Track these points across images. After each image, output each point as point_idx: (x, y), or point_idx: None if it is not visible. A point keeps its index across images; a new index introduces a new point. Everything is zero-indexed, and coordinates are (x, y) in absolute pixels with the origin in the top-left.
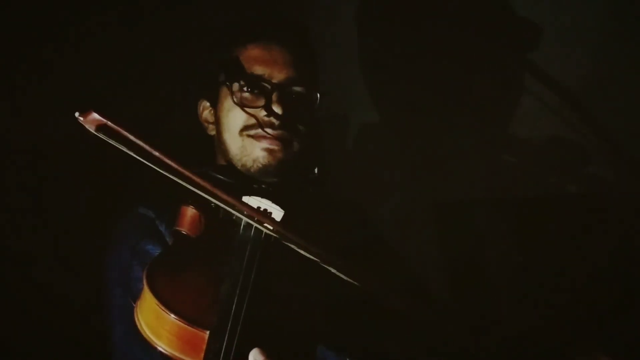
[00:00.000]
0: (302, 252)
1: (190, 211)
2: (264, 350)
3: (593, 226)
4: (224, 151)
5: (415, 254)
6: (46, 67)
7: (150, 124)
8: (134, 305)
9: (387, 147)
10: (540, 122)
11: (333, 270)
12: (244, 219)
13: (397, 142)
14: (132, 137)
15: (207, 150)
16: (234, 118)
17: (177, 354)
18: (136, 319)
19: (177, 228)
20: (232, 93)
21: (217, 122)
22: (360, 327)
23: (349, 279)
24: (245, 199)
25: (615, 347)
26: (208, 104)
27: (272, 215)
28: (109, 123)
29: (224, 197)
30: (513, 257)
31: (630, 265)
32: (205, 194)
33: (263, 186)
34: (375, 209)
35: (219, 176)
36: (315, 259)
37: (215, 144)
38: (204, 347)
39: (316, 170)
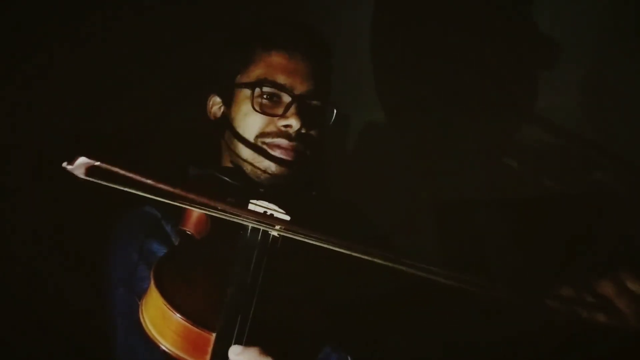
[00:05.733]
0: (317, 243)
1: (196, 212)
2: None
3: (593, 226)
4: (234, 153)
5: (415, 254)
6: (52, 64)
7: (155, 122)
8: (139, 303)
9: (388, 147)
10: (541, 125)
11: (348, 252)
12: (252, 225)
13: (398, 143)
14: (128, 174)
15: (211, 150)
16: (251, 123)
17: (180, 353)
18: (141, 317)
19: (183, 228)
20: (252, 98)
21: (230, 124)
22: (362, 329)
23: (367, 257)
24: (252, 204)
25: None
26: (219, 99)
27: None
28: (100, 164)
29: (232, 211)
30: (513, 257)
31: (630, 265)
32: (213, 212)
33: (269, 190)
34: (376, 209)
35: (225, 178)
36: (329, 246)
37: (222, 144)
38: (208, 348)
39: (314, 193)
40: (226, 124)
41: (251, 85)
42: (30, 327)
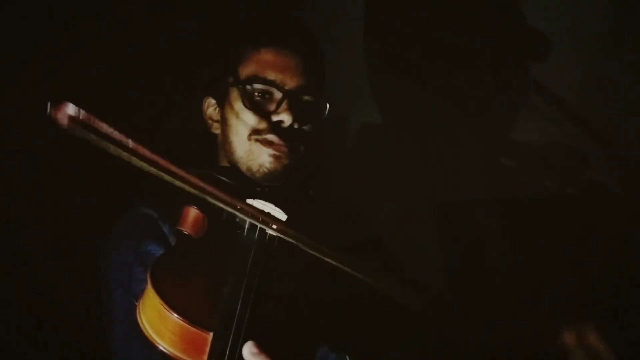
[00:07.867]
0: (308, 250)
1: (193, 212)
2: (258, 344)
3: (593, 226)
4: (229, 152)
5: (415, 254)
6: (49, 66)
7: (151, 121)
8: (136, 304)
9: (387, 147)
10: (539, 125)
11: (339, 266)
12: (249, 220)
13: (397, 143)
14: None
15: (208, 150)
16: (243, 121)
17: (178, 354)
18: (138, 318)
19: (180, 228)
20: (243, 96)
21: (224, 123)
22: (360, 328)
23: (356, 274)
24: (248, 202)
25: (615, 347)
26: (214, 101)
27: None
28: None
29: (227, 199)
30: (513, 257)
31: (629, 266)
32: (206, 195)
33: (266, 189)
34: (375, 209)
35: (222, 177)
36: (321, 256)
37: (218, 144)
38: (206, 348)
39: (311, 192)
40: (221, 124)
41: (242, 84)
42: (29, 328)
